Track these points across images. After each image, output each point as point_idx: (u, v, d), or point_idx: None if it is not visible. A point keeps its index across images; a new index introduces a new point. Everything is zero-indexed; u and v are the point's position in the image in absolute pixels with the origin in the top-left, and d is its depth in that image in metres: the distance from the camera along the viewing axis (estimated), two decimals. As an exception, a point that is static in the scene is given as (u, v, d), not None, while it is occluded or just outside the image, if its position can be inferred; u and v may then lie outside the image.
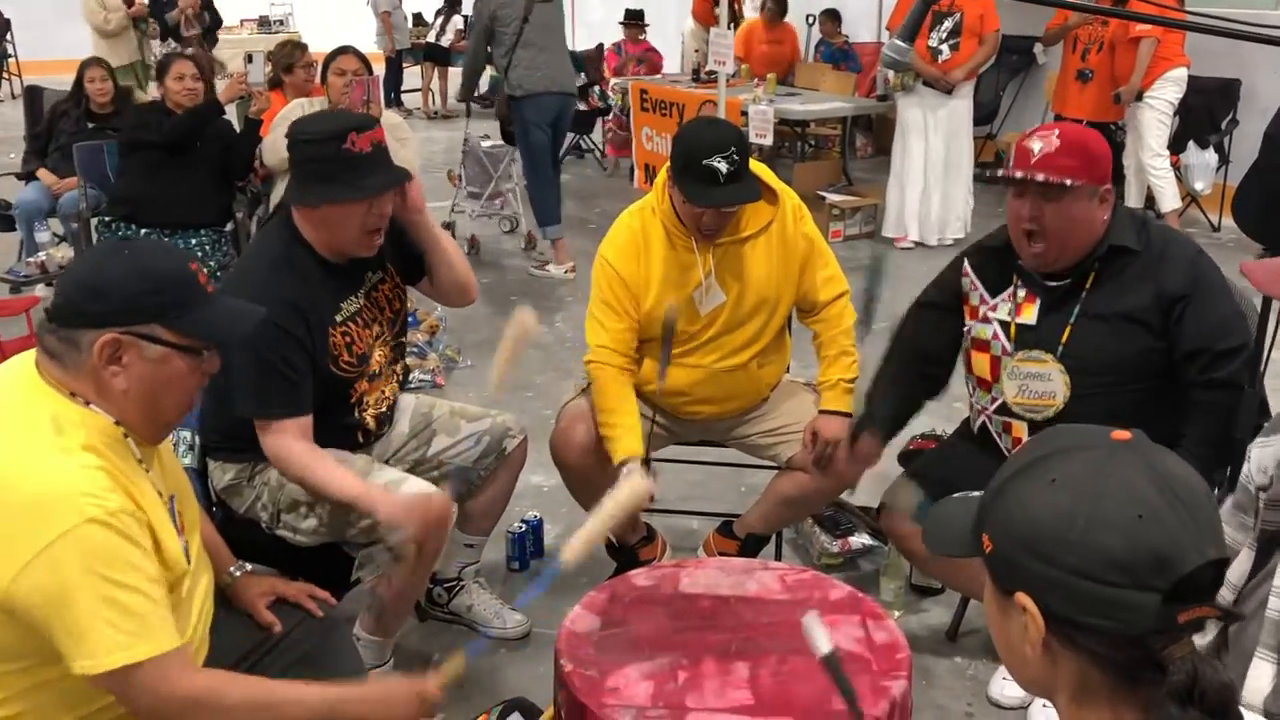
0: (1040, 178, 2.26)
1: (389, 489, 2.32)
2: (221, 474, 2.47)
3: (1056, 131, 2.32)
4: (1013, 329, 2.46)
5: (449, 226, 6.41)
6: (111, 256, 1.68)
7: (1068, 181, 2.25)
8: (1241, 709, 0.97)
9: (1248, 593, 1.63)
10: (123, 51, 8.04)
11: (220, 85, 5.39)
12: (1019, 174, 2.30)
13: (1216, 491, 2.38)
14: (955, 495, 1.16)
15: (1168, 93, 6.32)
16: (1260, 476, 1.70)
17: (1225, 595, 1.67)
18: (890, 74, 8.09)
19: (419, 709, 1.76)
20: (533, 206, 6.07)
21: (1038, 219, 2.31)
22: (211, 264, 4.78)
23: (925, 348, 2.67)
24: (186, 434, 2.58)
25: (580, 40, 10.81)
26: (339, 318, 2.41)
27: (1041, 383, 2.42)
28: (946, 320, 2.63)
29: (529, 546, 3.25)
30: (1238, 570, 1.66)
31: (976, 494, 1.09)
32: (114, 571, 1.50)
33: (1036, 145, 2.30)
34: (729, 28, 5.86)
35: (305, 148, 2.35)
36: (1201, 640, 1.69)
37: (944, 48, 6.30)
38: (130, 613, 1.51)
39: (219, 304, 1.71)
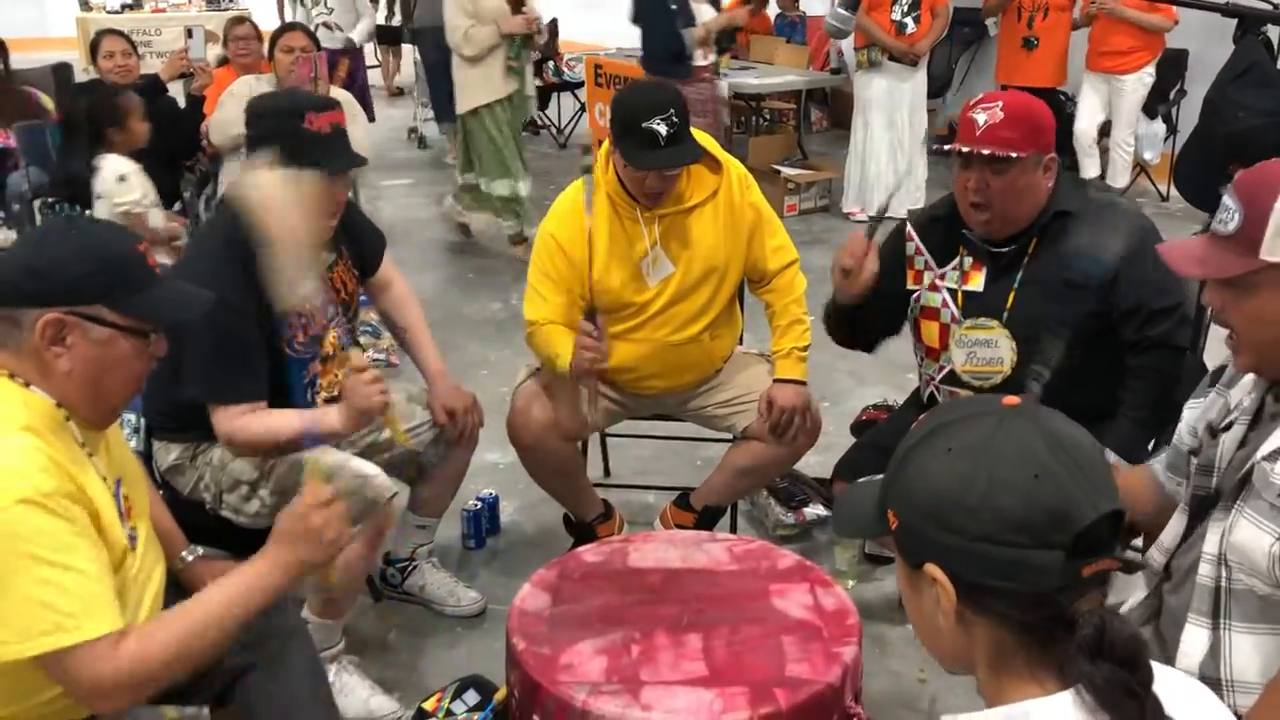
0: (986, 152, 2.27)
1: (333, 471, 2.30)
2: (166, 454, 2.44)
3: (1000, 103, 2.31)
4: (960, 297, 2.48)
5: (414, 131, 8.85)
6: (57, 235, 1.64)
7: (1013, 154, 2.27)
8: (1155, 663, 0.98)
9: (1180, 555, 1.65)
10: (487, 83, 5.49)
11: None
12: (964, 148, 2.31)
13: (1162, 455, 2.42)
14: (862, 480, 1.17)
15: (1151, 71, 6.45)
16: (1190, 439, 1.72)
17: (1156, 557, 1.69)
18: (843, 45, 8.10)
19: (318, 526, 1.64)
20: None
21: (984, 190, 2.33)
22: (159, 244, 4.69)
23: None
24: (131, 416, 2.54)
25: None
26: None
27: (989, 349, 2.44)
28: (887, 278, 2.58)
29: (485, 524, 3.24)
30: (1170, 533, 1.68)
31: (881, 476, 1.10)
32: (49, 552, 1.47)
33: (981, 117, 2.30)
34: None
35: (262, 124, 2.32)
36: (1136, 602, 1.72)
37: (908, 21, 6.32)
38: (68, 593, 1.48)
39: (167, 286, 1.68)
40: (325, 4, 7.22)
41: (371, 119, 7.06)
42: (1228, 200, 1.51)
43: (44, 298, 1.55)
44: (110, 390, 1.65)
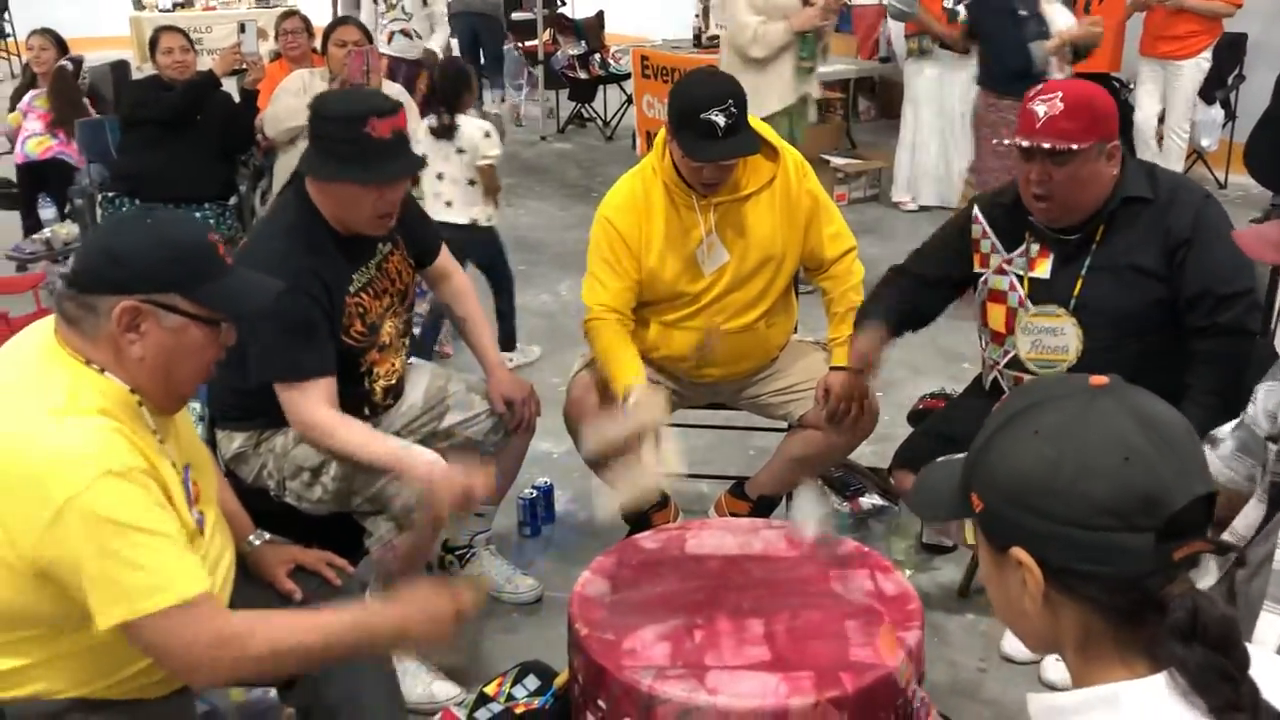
0: (1046, 145, 2.25)
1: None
2: (229, 442, 2.48)
3: (1060, 93, 2.29)
4: (1026, 283, 2.46)
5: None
6: (134, 224, 1.69)
7: (1074, 146, 2.24)
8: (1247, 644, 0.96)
9: (1256, 544, 1.62)
10: (777, 89, 4.82)
11: None
12: (1024, 142, 2.29)
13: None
14: (940, 459, 1.15)
15: (1208, 56, 6.33)
16: (1267, 424, 1.69)
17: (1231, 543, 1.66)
18: (892, 34, 8.02)
19: (449, 629, 1.72)
20: None
21: (1046, 182, 2.31)
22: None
23: (924, 272, 2.67)
24: (196, 405, 2.58)
25: (580, 8, 10.70)
26: (352, 288, 2.41)
27: (1055, 337, 2.42)
28: (949, 253, 2.62)
29: (540, 512, 3.26)
30: (1245, 521, 1.65)
31: (960, 456, 1.08)
32: (139, 519, 1.51)
33: (1041, 109, 2.28)
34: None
35: (325, 125, 2.35)
36: (1207, 588, 1.69)
37: (960, 9, 6.24)
38: (160, 555, 1.52)
39: (238, 276, 1.71)
40: (403, 9, 6.66)
41: None
42: None
43: (122, 285, 1.59)
44: (180, 378, 1.68)
